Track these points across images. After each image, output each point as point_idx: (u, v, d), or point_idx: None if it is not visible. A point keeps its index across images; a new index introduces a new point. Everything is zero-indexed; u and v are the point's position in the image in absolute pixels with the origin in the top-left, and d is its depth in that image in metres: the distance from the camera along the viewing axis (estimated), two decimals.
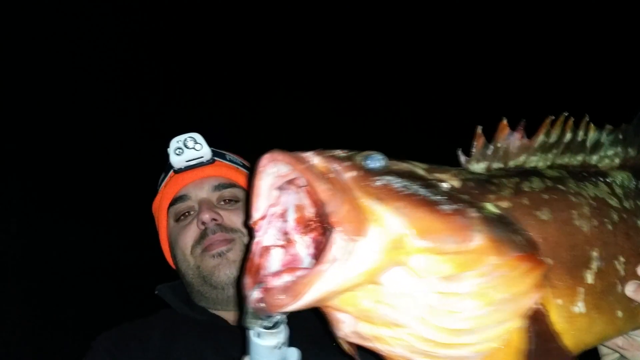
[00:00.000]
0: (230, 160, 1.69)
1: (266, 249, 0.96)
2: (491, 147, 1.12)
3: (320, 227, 0.99)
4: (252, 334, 0.90)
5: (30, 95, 5.21)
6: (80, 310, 4.59)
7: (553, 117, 1.18)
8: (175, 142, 1.59)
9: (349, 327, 0.88)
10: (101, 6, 5.32)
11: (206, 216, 1.53)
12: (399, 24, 5.77)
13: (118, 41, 5.51)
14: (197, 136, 1.59)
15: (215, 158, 1.63)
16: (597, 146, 1.23)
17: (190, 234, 1.59)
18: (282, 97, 5.66)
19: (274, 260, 0.96)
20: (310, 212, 0.97)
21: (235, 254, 1.54)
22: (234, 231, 1.56)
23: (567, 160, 1.20)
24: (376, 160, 0.91)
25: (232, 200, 1.62)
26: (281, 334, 0.90)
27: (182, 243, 1.59)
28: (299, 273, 0.82)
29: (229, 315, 1.59)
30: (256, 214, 0.96)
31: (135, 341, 1.51)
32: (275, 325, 0.88)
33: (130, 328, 1.59)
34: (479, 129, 1.11)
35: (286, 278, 0.83)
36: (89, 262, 5.27)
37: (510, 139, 1.14)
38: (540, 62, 5.32)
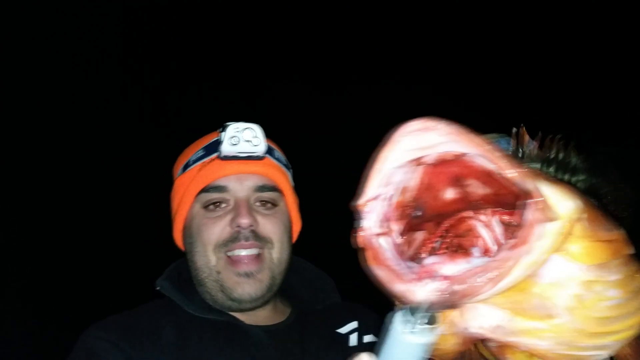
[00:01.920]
0: (277, 159, 1.57)
1: (376, 237, 0.86)
2: (520, 150, 1.19)
3: (410, 215, 0.92)
4: (401, 330, 0.77)
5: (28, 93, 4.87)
6: (78, 310, 4.05)
7: (551, 136, 1.32)
8: (233, 130, 1.43)
9: (493, 322, 0.82)
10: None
11: (246, 221, 1.43)
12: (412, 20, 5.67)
13: (113, 38, 5.16)
14: (258, 130, 1.46)
15: (266, 155, 1.50)
16: (575, 170, 1.39)
17: (218, 230, 1.46)
18: (285, 92, 5.33)
19: (389, 250, 0.85)
20: (409, 196, 0.90)
21: (264, 275, 1.45)
22: (264, 241, 1.46)
23: (560, 176, 1.33)
24: (505, 144, 0.89)
25: (268, 203, 1.51)
26: (436, 331, 0.80)
27: (206, 236, 1.45)
28: (488, 258, 0.74)
29: (239, 316, 1.50)
30: (369, 193, 0.85)
31: (148, 339, 1.36)
32: (433, 321, 0.77)
33: (133, 321, 1.42)
34: (514, 131, 1.18)
35: (463, 265, 0.74)
36: (87, 261, 5.04)
37: (530, 147, 1.23)
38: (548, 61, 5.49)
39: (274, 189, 1.51)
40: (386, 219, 0.87)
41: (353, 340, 1.50)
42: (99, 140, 5.05)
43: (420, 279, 0.75)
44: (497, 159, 0.75)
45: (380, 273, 0.79)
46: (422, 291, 0.74)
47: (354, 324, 1.54)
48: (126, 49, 5.24)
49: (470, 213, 0.96)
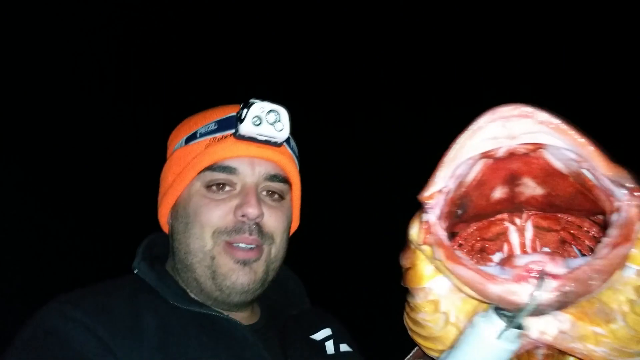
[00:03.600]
0: (292, 149, 1.41)
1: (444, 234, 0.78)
2: None
3: (453, 214, 0.86)
4: (489, 334, 0.69)
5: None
6: None
7: None
8: (258, 109, 1.26)
9: (557, 327, 0.78)
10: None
11: (255, 212, 1.27)
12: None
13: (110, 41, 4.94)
14: (284, 114, 1.29)
15: (284, 142, 1.34)
16: None
17: (220, 214, 1.28)
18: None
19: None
20: (459, 193, 0.83)
21: (260, 266, 1.31)
22: (267, 237, 1.32)
23: None
24: None
25: (276, 194, 1.35)
26: (523, 336, 0.72)
27: (206, 218, 1.28)
28: (588, 257, 0.69)
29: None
30: (436, 185, 0.77)
31: (126, 325, 1.16)
32: (521, 326, 0.70)
33: (107, 302, 1.20)
34: None
35: (563, 263, 0.69)
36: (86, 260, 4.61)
37: None
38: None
39: (285, 180, 1.36)
40: (441, 216, 0.79)
41: (329, 347, 1.40)
42: (101, 140, 4.86)
43: (520, 279, 0.67)
44: (593, 154, 0.72)
45: (465, 273, 0.71)
46: (525, 292, 0.67)
47: (327, 331, 1.44)
48: (125, 48, 5.03)
49: (505, 216, 0.92)
